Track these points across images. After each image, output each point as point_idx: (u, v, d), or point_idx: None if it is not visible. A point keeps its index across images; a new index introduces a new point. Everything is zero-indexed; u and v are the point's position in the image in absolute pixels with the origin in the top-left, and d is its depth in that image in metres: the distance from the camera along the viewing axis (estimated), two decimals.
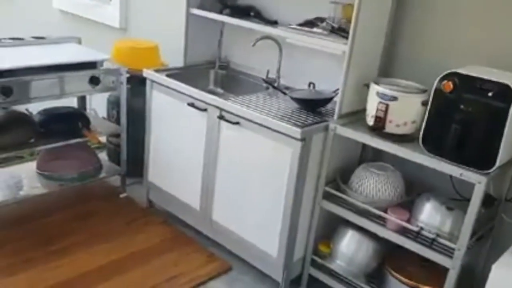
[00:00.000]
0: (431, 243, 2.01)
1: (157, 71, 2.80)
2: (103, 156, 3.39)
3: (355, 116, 2.27)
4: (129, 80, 3.02)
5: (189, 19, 2.87)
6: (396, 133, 2.07)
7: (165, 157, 2.85)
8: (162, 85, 2.72)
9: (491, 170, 1.82)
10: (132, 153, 3.14)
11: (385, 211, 2.12)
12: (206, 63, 3.06)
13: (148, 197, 3.09)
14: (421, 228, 2.03)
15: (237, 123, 2.38)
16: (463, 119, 1.84)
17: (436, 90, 1.91)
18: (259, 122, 2.28)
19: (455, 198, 2.12)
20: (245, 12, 2.75)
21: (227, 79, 3.03)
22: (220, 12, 2.77)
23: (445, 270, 1.96)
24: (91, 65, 2.86)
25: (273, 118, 2.25)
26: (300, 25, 2.48)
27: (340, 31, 2.33)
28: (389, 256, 2.28)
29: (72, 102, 3.19)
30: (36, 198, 2.86)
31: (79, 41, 3.23)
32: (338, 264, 2.33)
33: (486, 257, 2.18)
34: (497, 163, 1.80)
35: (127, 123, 3.06)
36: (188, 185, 2.73)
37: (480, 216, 1.90)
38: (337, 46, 2.25)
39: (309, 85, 2.56)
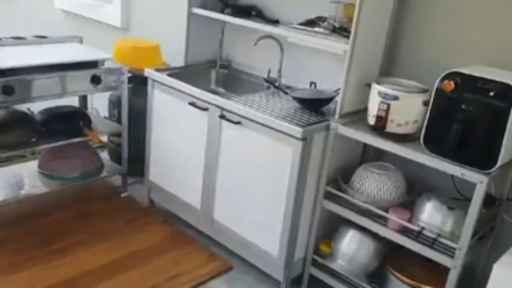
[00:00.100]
0: (432, 243, 2.00)
1: (158, 70, 2.80)
2: (104, 155, 3.39)
3: (357, 116, 2.27)
4: (130, 79, 3.02)
5: (191, 18, 2.87)
6: (397, 133, 2.07)
7: (166, 156, 2.85)
8: (164, 84, 2.72)
9: (492, 170, 1.81)
10: (133, 152, 3.14)
11: (386, 211, 2.12)
12: (207, 63, 3.06)
13: (149, 196, 3.09)
14: (422, 228, 2.03)
15: (238, 122, 2.38)
16: (464, 118, 1.84)
17: (437, 89, 1.90)
18: (260, 122, 2.28)
19: (456, 198, 2.12)
20: (246, 12, 2.75)
21: (228, 78, 3.03)
22: (222, 12, 2.77)
23: (446, 270, 1.96)
24: (93, 64, 2.86)
25: (274, 117, 2.25)
26: (302, 24, 2.48)
27: (341, 31, 2.33)
28: (390, 256, 2.28)
29: (73, 101, 3.19)
30: (37, 197, 2.86)
31: (81, 41, 3.23)
32: (339, 264, 2.33)
33: (487, 257, 2.17)
34: (499, 163, 1.80)
35: (128, 122, 3.07)
36: (189, 184, 2.73)
37: (481, 216, 1.90)
38: (339, 45, 2.24)
39: (310, 85, 2.56)
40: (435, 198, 2.08)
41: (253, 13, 2.74)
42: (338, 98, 2.26)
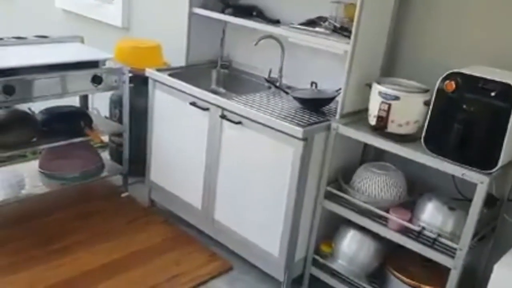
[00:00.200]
0: (433, 243, 2.00)
1: (159, 70, 2.80)
2: (105, 155, 3.39)
3: (357, 116, 2.27)
4: (131, 79, 3.02)
5: (191, 18, 2.87)
6: (398, 133, 2.07)
7: (167, 156, 2.85)
8: (165, 84, 2.72)
9: (493, 170, 1.81)
10: (134, 152, 3.15)
11: (387, 211, 2.12)
12: (208, 63, 3.06)
13: (150, 196, 3.09)
14: (423, 228, 2.03)
15: (239, 122, 2.38)
16: (465, 119, 1.84)
17: (438, 90, 1.90)
18: (261, 122, 2.28)
19: (457, 198, 2.12)
20: (247, 12, 2.75)
21: (229, 78, 3.03)
22: (222, 12, 2.78)
23: (447, 270, 1.96)
24: (94, 64, 2.86)
25: (275, 117, 2.25)
26: (302, 24, 2.48)
27: (342, 31, 2.33)
28: (390, 256, 2.28)
29: (74, 101, 3.19)
30: (38, 197, 2.86)
31: (82, 40, 3.23)
32: (339, 264, 2.32)
33: (488, 257, 2.17)
34: (500, 163, 1.80)
35: (129, 122, 3.07)
36: (190, 184, 2.73)
37: (482, 216, 1.90)
38: (339, 45, 2.24)
39: (311, 85, 2.56)
40: (436, 198, 2.08)
41: (254, 13, 2.74)
42: (339, 98, 2.26)
